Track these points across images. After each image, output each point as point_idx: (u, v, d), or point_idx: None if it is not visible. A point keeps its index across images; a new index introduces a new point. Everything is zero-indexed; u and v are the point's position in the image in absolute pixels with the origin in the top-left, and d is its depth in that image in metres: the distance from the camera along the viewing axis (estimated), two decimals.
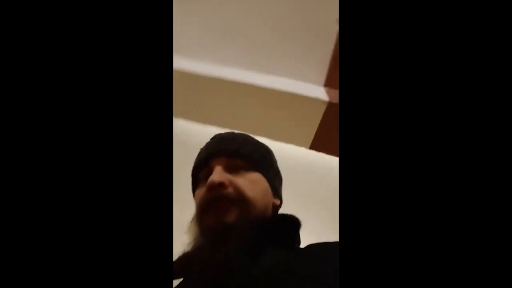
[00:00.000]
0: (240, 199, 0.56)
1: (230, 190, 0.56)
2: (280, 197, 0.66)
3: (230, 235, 0.52)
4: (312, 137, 1.51)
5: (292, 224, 0.59)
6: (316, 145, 1.54)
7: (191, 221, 0.59)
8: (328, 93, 1.39)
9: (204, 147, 0.67)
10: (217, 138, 0.67)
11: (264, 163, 0.64)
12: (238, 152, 0.61)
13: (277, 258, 0.49)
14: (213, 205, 0.56)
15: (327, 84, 1.39)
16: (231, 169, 0.60)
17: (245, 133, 0.70)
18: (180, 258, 0.54)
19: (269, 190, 0.62)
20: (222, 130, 0.73)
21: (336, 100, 1.36)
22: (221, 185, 0.56)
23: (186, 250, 0.55)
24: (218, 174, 0.57)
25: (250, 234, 0.52)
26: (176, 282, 0.52)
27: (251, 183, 0.59)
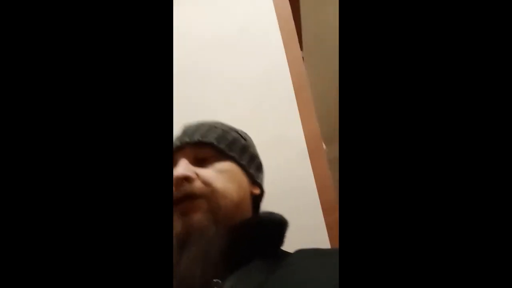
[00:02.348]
0: (209, 193, 0.50)
1: (197, 183, 0.50)
2: (259, 185, 0.60)
3: (196, 240, 0.47)
4: None
5: (278, 226, 0.53)
6: None
7: None
8: None
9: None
10: (182, 129, 0.60)
11: (235, 149, 0.57)
12: (202, 141, 0.54)
13: (262, 273, 0.45)
14: (180, 206, 0.50)
15: None
16: (198, 160, 0.54)
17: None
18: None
19: (244, 178, 0.56)
20: None
21: None
22: (186, 179, 0.50)
23: None
24: (181, 168, 0.51)
25: (224, 236, 0.47)
26: None
27: (221, 173, 0.53)
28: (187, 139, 0.55)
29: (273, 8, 1.15)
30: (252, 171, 0.59)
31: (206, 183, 0.51)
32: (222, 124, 0.61)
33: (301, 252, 0.50)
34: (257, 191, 0.59)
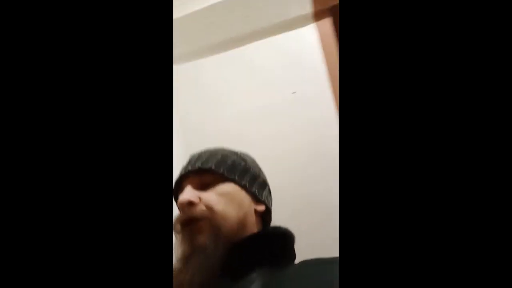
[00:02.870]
0: (210, 215, 0.56)
1: (200, 207, 0.57)
2: (264, 202, 0.64)
3: (201, 258, 0.52)
4: None
5: (284, 239, 0.59)
6: None
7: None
8: None
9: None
10: (188, 159, 0.67)
11: (236, 171, 0.63)
12: (202, 167, 0.61)
13: (264, 280, 0.49)
14: (185, 229, 0.57)
15: None
16: (201, 185, 0.60)
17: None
18: None
19: (247, 198, 0.62)
20: None
21: None
22: (190, 203, 0.56)
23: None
24: (186, 193, 0.57)
25: (225, 252, 0.53)
26: None
27: (221, 196, 0.58)
28: (190, 167, 0.62)
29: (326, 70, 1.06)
30: (254, 190, 0.63)
31: (207, 207, 0.57)
32: (223, 150, 0.67)
33: (303, 262, 0.54)
34: (261, 208, 0.63)
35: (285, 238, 0.59)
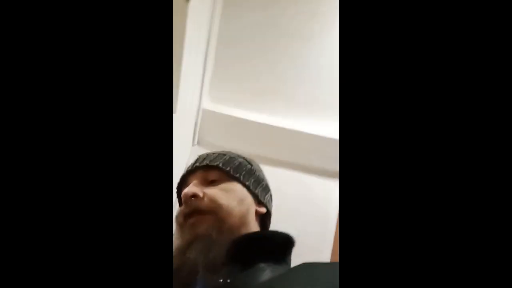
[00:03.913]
0: (214, 208, 0.57)
1: (204, 201, 0.58)
2: (265, 205, 0.66)
3: (205, 242, 0.54)
4: None
5: (285, 242, 0.60)
6: None
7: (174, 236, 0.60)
8: None
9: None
10: (195, 158, 0.69)
11: (242, 172, 0.64)
12: (210, 164, 0.63)
13: (274, 270, 0.50)
14: (188, 220, 0.58)
15: None
16: (206, 181, 0.62)
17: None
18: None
19: (249, 197, 0.63)
20: None
21: None
22: (194, 196, 0.57)
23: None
24: (190, 187, 0.59)
25: (225, 244, 0.54)
26: None
27: (225, 192, 0.60)
28: (197, 164, 0.65)
29: None
30: (257, 191, 0.65)
31: (212, 201, 0.58)
32: (231, 152, 0.69)
33: (304, 263, 0.54)
34: (262, 210, 0.65)
35: (284, 242, 0.60)
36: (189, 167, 0.66)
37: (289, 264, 0.59)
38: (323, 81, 1.59)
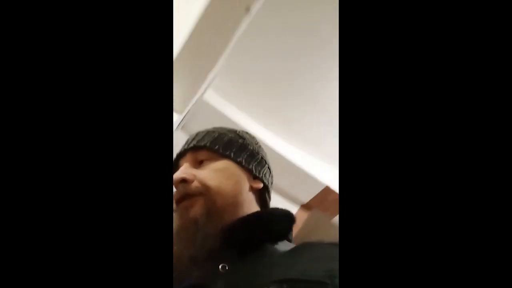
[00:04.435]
0: (203, 191, 0.56)
1: (195, 184, 0.56)
2: (261, 179, 0.64)
3: (192, 231, 0.53)
4: None
5: (282, 220, 0.59)
6: None
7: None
8: None
9: None
10: (187, 138, 0.67)
11: (232, 148, 0.62)
12: (197, 145, 0.61)
13: (272, 254, 0.50)
14: (180, 204, 0.56)
15: None
16: (197, 163, 0.60)
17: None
18: None
19: (242, 174, 0.61)
20: None
21: None
22: (184, 180, 0.56)
23: None
24: (180, 171, 0.57)
25: (218, 226, 0.53)
26: None
27: (215, 172, 0.58)
28: (186, 146, 0.63)
29: None
30: (251, 166, 0.62)
31: (201, 183, 0.56)
32: (222, 128, 0.66)
33: (305, 242, 0.54)
34: (258, 185, 0.63)
35: (284, 220, 0.59)
36: (180, 150, 0.64)
37: (292, 241, 0.59)
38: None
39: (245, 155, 0.63)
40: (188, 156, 0.61)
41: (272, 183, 0.68)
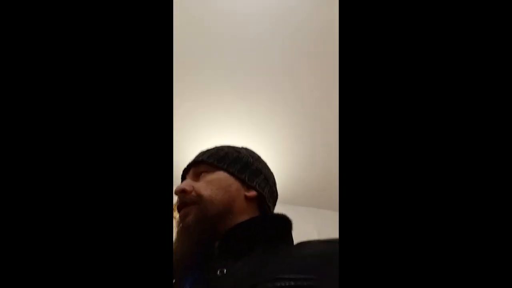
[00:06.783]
0: (197, 200, 0.63)
1: (192, 194, 0.64)
2: (255, 188, 0.68)
3: (185, 235, 0.60)
4: None
5: (282, 223, 0.63)
6: None
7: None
8: None
9: None
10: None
11: (227, 160, 0.69)
12: (196, 160, 0.69)
13: (263, 257, 0.53)
14: (180, 213, 0.64)
15: None
16: (196, 176, 0.68)
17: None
18: None
19: (235, 184, 0.66)
20: None
21: None
22: (183, 191, 0.64)
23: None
24: (182, 183, 0.66)
25: (208, 232, 0.59)
26: None
27: (208, 183, 0.65)
28: (190, 162, 0.71)
29: None
30: (244, 176, 0.68)
31: (197, 193, 0.63)
32: (222, 146, 0.74)
33: (298, 243, 0.57)
34: (251, 193, 0.67)
35: (280, 224, 0.63)
36: (186, 166, 0.72)
37: (291, 242, 0.63)
38: None
39: (239, 166, 0.69)
40: (191, 170, 0.70)
41: (270, 192, 0.71)
